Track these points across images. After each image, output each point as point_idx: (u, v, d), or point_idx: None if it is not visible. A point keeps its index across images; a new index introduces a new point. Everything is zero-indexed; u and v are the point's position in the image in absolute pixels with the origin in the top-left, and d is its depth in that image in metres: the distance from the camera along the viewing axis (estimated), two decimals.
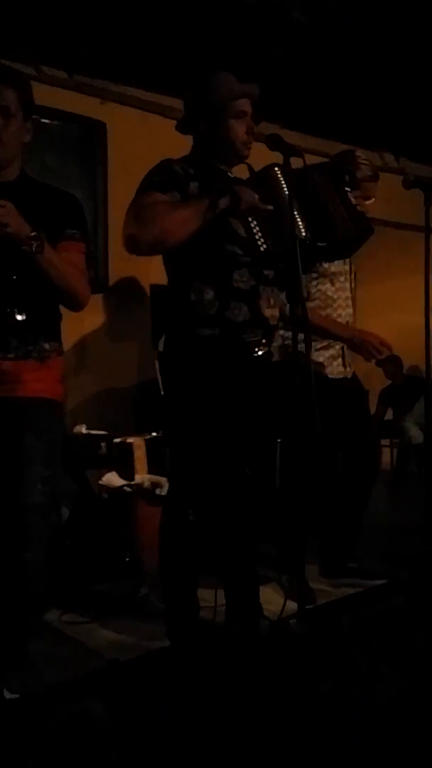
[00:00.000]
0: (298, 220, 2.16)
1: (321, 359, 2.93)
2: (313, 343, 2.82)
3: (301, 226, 2.17)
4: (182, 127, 2.41)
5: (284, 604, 2.14)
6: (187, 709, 1.30)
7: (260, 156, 2.30)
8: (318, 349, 2.91)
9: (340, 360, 2.99)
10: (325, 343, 2.93)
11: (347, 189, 2.33)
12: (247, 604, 2.31)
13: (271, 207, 2.14)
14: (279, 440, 3.16)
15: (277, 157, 2.12)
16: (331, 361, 2.97)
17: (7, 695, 1.69)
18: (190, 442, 2.32)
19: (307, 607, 2.04)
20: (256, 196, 2.14)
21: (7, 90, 1.99)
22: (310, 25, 3.51)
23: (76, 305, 2.12)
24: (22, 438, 1.97)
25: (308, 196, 2.22)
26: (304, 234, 2.17)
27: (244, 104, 2.29)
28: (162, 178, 2.23)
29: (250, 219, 2.15)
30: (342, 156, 2.98)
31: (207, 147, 2.34)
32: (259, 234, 2.19)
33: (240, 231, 2.21)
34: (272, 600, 2.48)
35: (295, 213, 2.11)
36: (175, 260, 2.31)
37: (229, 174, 2.37)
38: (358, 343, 2.89)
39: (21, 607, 2.01)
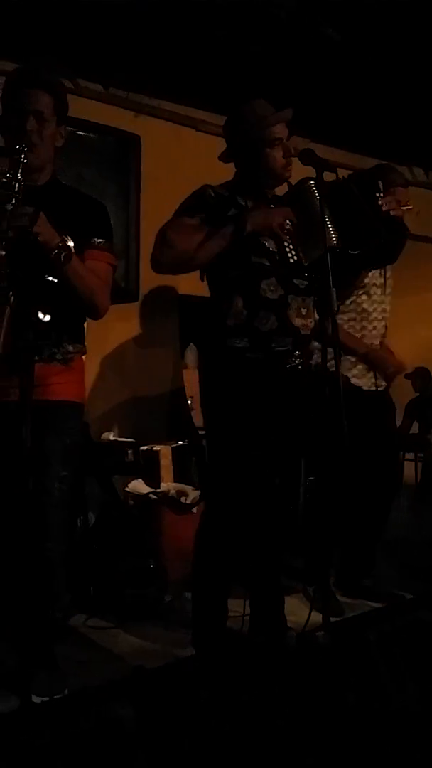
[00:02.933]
0: (330, 229, 2.20)
1: (354, 371, 2.94)
2: (348, 356, 2.87)
3: (333, 236, 2.21)
4: (224, 158, 2.46)
5: (309, 615, 2.14)
6: (213, 717, 1.32)
7: (294, 170, 2.35)
8: (353, 362, 2.92)
9: (372, 373, 2.99)
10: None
11: (379, 195, 2.35)
12: (271, 614, 2.33)
13: (291, 222, 2.22)
14: (303, 453, 3.18)
15: (310, 171, 2.17)
16: (365, 372, 2.97)
17: (35, 699, 1.72)
18: (219, 451, 2.37)
19: (332, 619, 2.05)
20: (286, 213, 2.21)
21: (42, 95, 2.03)
22: (342, 40, 3.54)
23: (95, 315, 2.16)
24: (43, 439, 2.00)
25: (339, 206, 2.26)
26: (335, 242, 2.20)
27: (278, 131, 2.34)
28: (191, 202, 2.30)
29: (279, 234, 2.22)
30: (379, 168, 3.01)
31: (249, 174, 2.39)
32: (290, 246, 2.27)
33: (269, 245, 2.27)
34: (297, 611, 2.49)
35: (327, 223, 2.16)
36: (210, 273, 2.36)
37: (268, 194, 2.41)
38: (372, 360, 2.91)
39: (44, 602, 2.04)
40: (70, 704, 1.49)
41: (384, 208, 2.28)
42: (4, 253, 1.80)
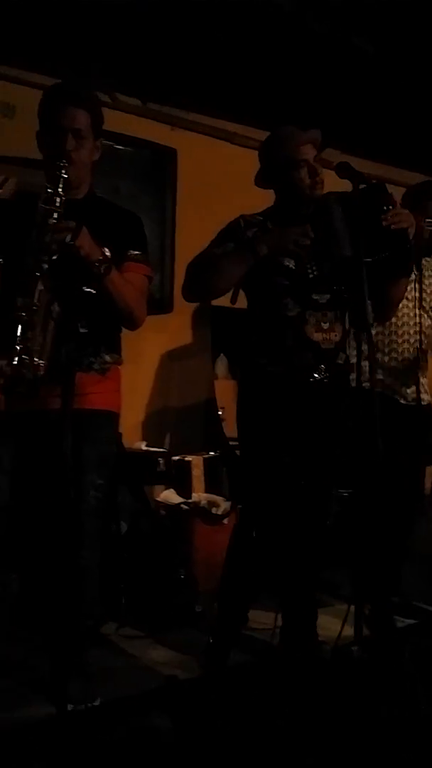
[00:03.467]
0: (342, 240, 2.27)
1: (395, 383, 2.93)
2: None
3: (345, 246, 2.26)
4: (259, 183, 2.52)
5: (341, 630, 2.13)
6: (249, 729, 1.32)
7: (330, 183, 2.36)
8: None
9: (414, 387, 2.97)
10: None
11: (388, 207, 2.37)
12: (303, 628, 2.32)
13: (307, 239, 2.29)
14: (328, 467, 3.17)
15: (347, 184, 2.18)
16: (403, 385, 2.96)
17: (70, 707, 1.73)
18: (247, 462, 2.44)
19: (365, 635, 2.04)
20: (302, 231, 2.29)
21: (80, 112, 2.07)
22: (376, 52, 3.55)
23: (132, 325, 2.20)
24: (80, 448, 2.03)
25: (354, 218, 2.27)
26: (346, 252, 2.26)
27: (303, 152, 2.39)
28: (223, 234, 2.40)
29: (296, 252, 2.30)
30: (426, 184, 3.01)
31: (284, 196, 2.47)
32: (311, 262, 2.34)
33: (288, 263, 2.34)
34: (328, 626, 2.47)
35: (340, 234, 2.25)
36: (243, 290, 2.43)
37: (305, 213, 2.43)
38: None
39: (78, 609, 2.06)
40: (106, 713, 1.50)
41: (384, 223, 2.29)
42: (47, 266, 1.84)
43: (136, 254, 2.16)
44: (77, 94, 2.11)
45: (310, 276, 2.35)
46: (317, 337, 2.34)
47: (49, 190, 1.91)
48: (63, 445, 1.66)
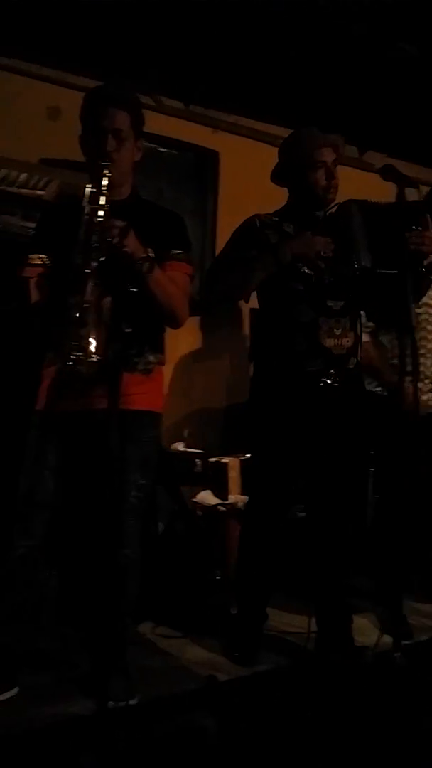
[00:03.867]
0: (365, 250, 2.31)
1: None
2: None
3: (367, 256, 2.30)
4: (275, 179, 2.57)
5: (379, 637, 2.12)
6: (293, 731, 1.32)
7: (375, 186, 2.35)
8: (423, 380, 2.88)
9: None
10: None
11: (416, 228, 2.36)
12: (338, 633, 2.32)
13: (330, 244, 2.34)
14: (372, 470, 3.15)
15: (391, 187, 2.17)
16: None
17: (111, 704, 1.75)
18: (255, 460, 2.55)
19: (404, 642, 2.03)
20: (325, 241, 2.33)
21: (121, 113, 2.09)
22: (419, 55, 3.52)
23: (175, 324, 2.21)
24: (124, 448, 2.06)
25: (377, 230, 2.34)
26: (366, 263, 2.30)
27: (322, 154, 2.42)
28: (239, 235, 2.45)
29: (314, 258, 2.34)
30: None
31: (296, 196, 2.52)
32: (328, 269, 2.38)
33: (305, 269, 2.37)
34: (366, 632, 2.46)
35: (361, 244, 2.30)
36: (260, 295, 2.50)
37: (318, 216, 2.48)
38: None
39: (120, 607, 2.09)
40: (150, 710, 1.52)
41: (409, 243, 2.28)
42: (96, 264, 1.87)
43: (179, 253, 2.18)
44: (117, 95, 2.13)
45: (327, 282, 2.39)
46: (329, 343, 2.38)
47: (93, 190, 1.94)
48: (109, 445, 1.68)
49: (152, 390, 2.19)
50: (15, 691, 2.08)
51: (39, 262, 2.12)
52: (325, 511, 2.41)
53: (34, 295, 2.10)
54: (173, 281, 2.13)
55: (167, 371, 3.72)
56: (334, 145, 2.44)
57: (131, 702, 1.97)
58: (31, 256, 2.14)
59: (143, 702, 1.90)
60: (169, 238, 2.18)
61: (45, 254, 2.12)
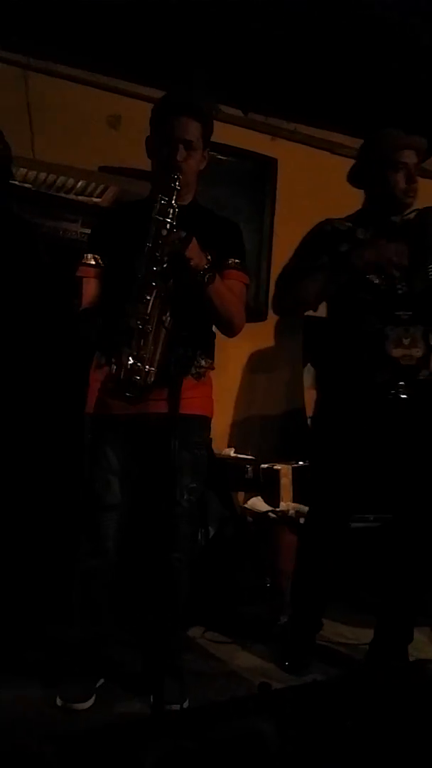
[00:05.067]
0: None
1: None
2: None
3: None
4: (352, 180, 2.53)
5: None
6: (357, 744, 1.31)
7: None
8: None
9: None
10: None
11: None
12: (395, 645, 2.29)
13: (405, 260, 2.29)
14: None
15: None
16: None
17: (167, 707, 1.76)
18: (322, 471, 2.51)
19: None
20: (397, 249, 2.29)
21: (194, 123, 2.12)
22: None
23: (231, 333, 2.23)
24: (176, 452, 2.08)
25: None
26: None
27: (404, 155, 2.36)
28: (309, 239, 2.41)
29: (386, 267, 2.29)
30: None
31: (374, 198, 2.46)
32: (401, 279, 2.33)
33: (373, 279, 2.33)
34: (421, 647, 2.43)
35: None
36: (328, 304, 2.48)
37: (394, 221, 2.43)
38: None
39: (173, 611, 2.12)
40: (207, 713, 1.53)
41: None
42: (159, 275, 1.90)
43: (236, 262, 2.20)
44: (192, 105, 2.16)
45: (399, 293, 2.34)
46: (397, 353, 2.32)
47: (164, 201, 1.97)
48: (168, 450, 1.70)
49: (203, 394, 2.21)
50: (92, 701, 2.08)
51: (93, 263, 2.16)
52: (404, 523, 2.37)
53: (87, 295, 2.14)
54: (231, 290, 2.15)
55: (221, 377, 3.76)
56: (417, 147, 2.38)
57: (184, 705, 1.99)
58: (86, 255, 2.18)
59: (198, 705, 1.91)
60: (227, 247, 2.20)
61: (99, 255, 2.16)
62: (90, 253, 2.17)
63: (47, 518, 2.60)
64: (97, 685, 2.13)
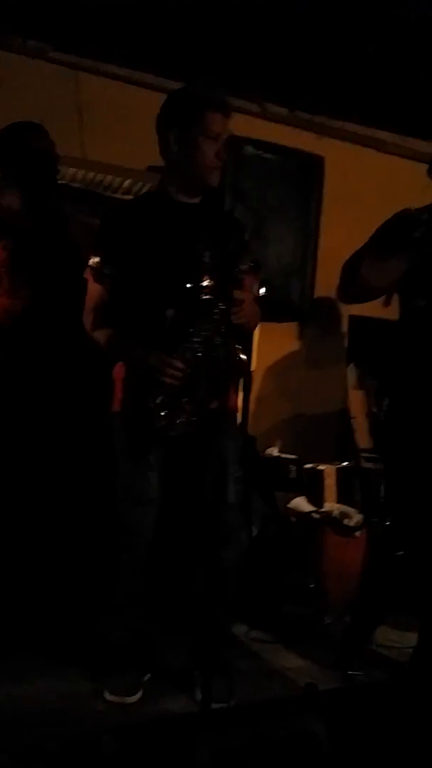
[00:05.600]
0: None
1: None
2: None
3: None
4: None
5: None
6: (409, 747, 1.30)
7: None
8: None
9: None
10: None
11: None
12: None
13: None
14: None
15: None
16: None
17: (214, 705, 1.77)
18: (399, 480, 2.42)
19: None
20: None
21: (227, 120, 2.12)
22: None
23: (248, 334, 2.32)
24: (219, 442, 2.09)
25: None
26: None
27: None
28: (382, 228, 2.30)
29: None
30: None
31: None
32: None
33: None
34: None
35: None
36: (400, 299, 2.40)
37: None
38: None
39: (221, 609, 2.12)
40: (256, 711, 1.53)
41: None
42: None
43: (253, 266, 2.21)
44: (226, 101, 2.15)
45: None
46: None
47: None
48: (220, 444, 1.72)
49: (234, 389, 2.28)
50: (140, 694, 2.10)
51: (98, 264, 2.15)
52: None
53: (90, 299, 2.18)
54: (249, 300, 2.13)
55: (264, 376, 3.76)
56: None
57: (231, 703, 1.99)
58: (93, 257, 2.16)
59: (245, 703, 1.91)
60: (241, 249, 2.16)
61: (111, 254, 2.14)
62: (100, 251, 2.14)
63: (93, 513, 2.62)
64: (144, 679, 2.14)
